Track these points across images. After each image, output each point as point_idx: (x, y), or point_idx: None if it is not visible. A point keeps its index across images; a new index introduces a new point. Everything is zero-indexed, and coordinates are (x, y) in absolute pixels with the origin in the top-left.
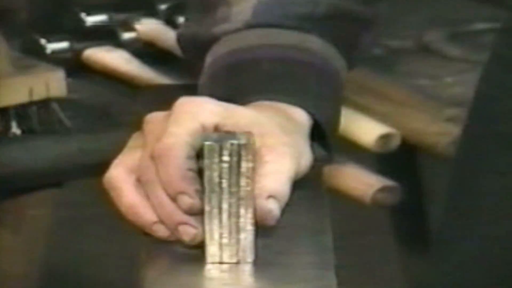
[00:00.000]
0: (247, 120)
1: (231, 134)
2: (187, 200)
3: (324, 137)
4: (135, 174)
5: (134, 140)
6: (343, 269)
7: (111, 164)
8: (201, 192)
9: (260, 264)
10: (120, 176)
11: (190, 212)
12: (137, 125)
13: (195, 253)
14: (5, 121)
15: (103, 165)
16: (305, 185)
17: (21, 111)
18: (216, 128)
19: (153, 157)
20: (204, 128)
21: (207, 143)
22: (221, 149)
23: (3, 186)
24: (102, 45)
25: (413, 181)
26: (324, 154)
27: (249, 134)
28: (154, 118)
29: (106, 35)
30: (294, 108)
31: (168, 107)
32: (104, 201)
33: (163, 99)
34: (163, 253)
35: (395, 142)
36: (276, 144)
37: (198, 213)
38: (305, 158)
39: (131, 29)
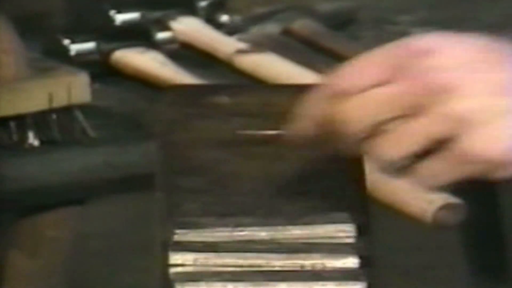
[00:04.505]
0: None
1: None
2: None
3: None
4: None
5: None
6: None
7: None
8: None
9: None
10: None
11: None
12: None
13: None
14: (22, 131)
15: (132, 180)
16: None
17: (39, 120)
18: None
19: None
20: None
21: None
22: None
23: (19, 204)
24: (133, 46)
25: (487, 197)
26: None
27: None
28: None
29: (138, 35)
30: None
31: (196, 108)
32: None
33: (191, 100)
34: None
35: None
36: None
37: None
38: None
39: (166, 28)
